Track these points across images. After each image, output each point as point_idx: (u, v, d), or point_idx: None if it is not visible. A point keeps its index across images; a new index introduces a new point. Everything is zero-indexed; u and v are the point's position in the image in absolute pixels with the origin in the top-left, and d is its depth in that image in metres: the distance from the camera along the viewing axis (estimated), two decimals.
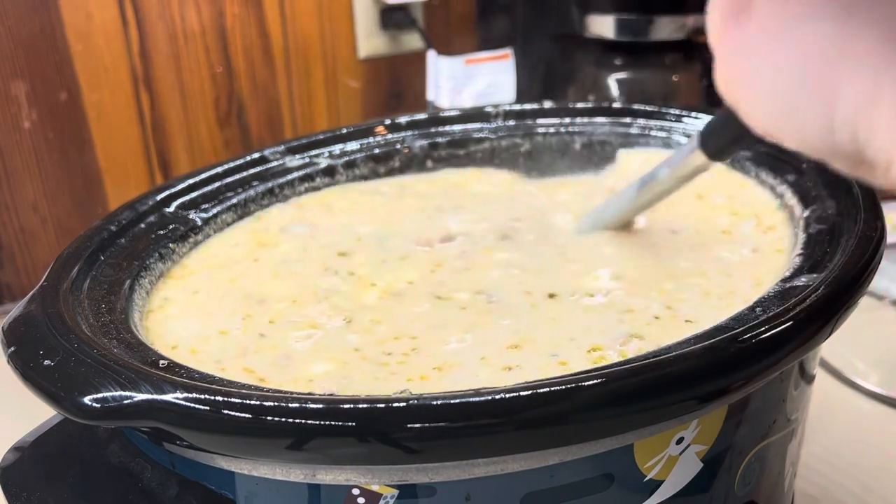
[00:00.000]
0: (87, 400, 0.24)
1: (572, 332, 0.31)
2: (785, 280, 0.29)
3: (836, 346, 0.55)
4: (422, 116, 0.52)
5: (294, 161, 0.47)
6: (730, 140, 0.32)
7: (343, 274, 0.38)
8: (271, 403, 0.23)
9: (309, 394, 0.24)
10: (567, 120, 0.51)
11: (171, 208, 0.41)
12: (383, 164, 0.49)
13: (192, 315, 0.35)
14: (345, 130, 0.49)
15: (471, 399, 0.22)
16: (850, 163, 0.19)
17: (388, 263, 0.39)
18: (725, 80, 0.22)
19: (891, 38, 0.18)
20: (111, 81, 0.72)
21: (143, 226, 0.39)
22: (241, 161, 0.45)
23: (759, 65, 0.20)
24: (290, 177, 0.46)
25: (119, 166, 0.75)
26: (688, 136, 0.47)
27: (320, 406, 0.22)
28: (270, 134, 0.82)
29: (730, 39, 0.21)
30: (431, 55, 0.82)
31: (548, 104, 0.52)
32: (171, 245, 0.38)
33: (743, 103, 0.21)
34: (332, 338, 0.32)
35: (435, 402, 0.22)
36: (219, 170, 0.44)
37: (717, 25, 0.22)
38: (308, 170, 0.47)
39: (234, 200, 0.43)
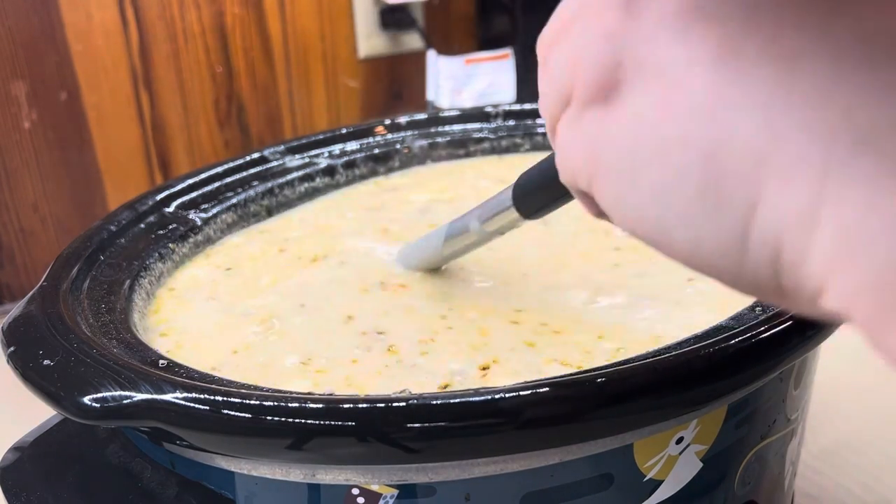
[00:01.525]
0: (86, 400, 0.24)
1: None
2: None
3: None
4: (422, 116, 0.52)
5: (294, 161, 0.47)
6: (550, 200, 0.29)
7: None
8: (271, 403, 0.23)
9: (309, 394, 0.24)
10: None
11: (171, 208, 0.41)
12: (383, 163, 0.49)
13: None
14: (345, 130, 0.49)
15: (471, 399, 0.22)
16: (756, 286, 0.15)
17: None
18: (574, 167, 0.19)
19: (841, 124, 0.13)
20: (111, 81, 0.72)
21: (142, 226, 0.39)
22: (241, 161, 0.45)
23: (636, 157, 0.16)
24: (290, 177, 0.46)
25: (119, 166, 0.75)
26: None
27: (320, 406, 0.22)
28: (270, 134, 0.82)
29: (589, 122, 0.18)
30: (431, 55, 0.82)
31: None
32: (170, 245, 0.38)
33: (606, 197, 0.18)
34: None
35: (435, 402, 0.22)
36: (219, 170, 0.44)
37: (562, 107, 0.19)
38: (308, 170, 0.47)
39: (234, 200, 0.43)
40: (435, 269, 0.37)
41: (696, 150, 0.15)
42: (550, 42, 0.20)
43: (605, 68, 0.17)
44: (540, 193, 0.29)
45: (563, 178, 0.20)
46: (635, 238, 0.18)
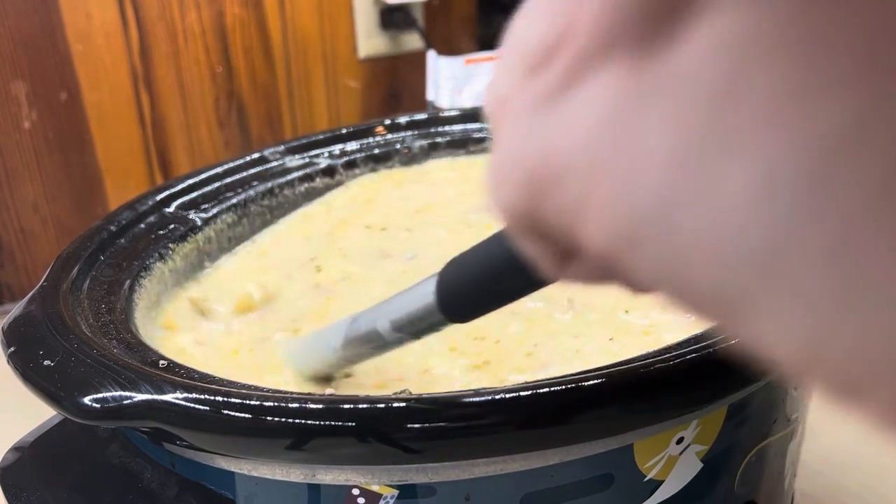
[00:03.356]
0: (87, 400, 0.24)
1: None
2: None
3: None
4: (422, 116, 0.52)
5: (294, 161, 0.47)
6: (494, 297, 0.22)
7: None
8: (271, 403, 0.23)
9: (309, 394, 0.24)
10: None
11: (171, 208, 0.41)
12: (383, 163, 0.49)
13: None
14: (345, 130, 0.49)
15: (471, 399, 0.22)
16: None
17: None
18: (541, 179, 0.12)
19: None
20: (111, 81, 0.72)
21: (142, 226, 0.39)
22: (241, 161, 0.45)
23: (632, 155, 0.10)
24: (289, 177, 0.46)
25: (119, 166, 0.75)
26: None
27: (320, 406, 0.22)
28: (270, 134, 0.82)
29: (608, 90, 0.11)
30: (431, 55, 0.82)
31: None
32: (170, 245, 0.38)
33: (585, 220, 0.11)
34: None
35: (435, 402, 0.22)
36: (219, 170, 0.44)
37: (535, 71, 0.12)
38: (308, 170, 0.46)
39: (234, 200, 0.43)
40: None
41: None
42: None
43: None
44: (483, 285, 0.22)
45: (510, 202, 0.13)
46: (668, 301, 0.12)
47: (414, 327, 0.26)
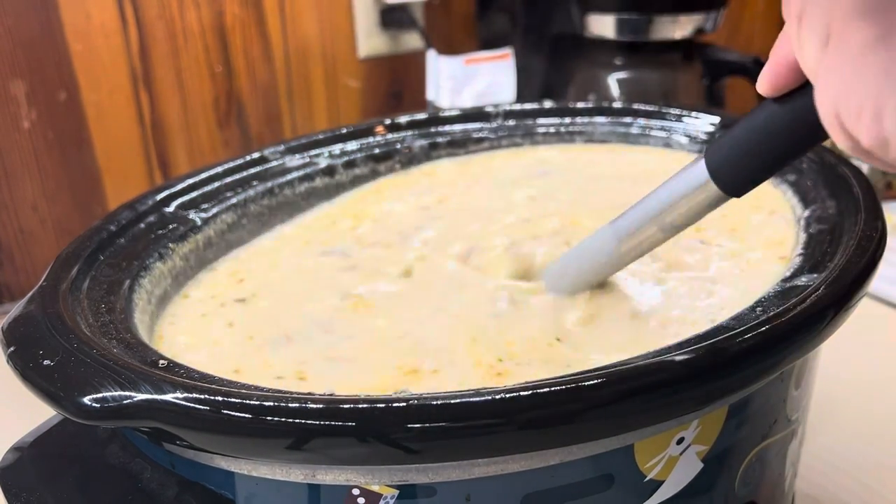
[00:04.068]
0: (86, 400, 0.24)
1: None
2: (785, 280, 0.29)
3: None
4: (422, 116, 0.52)
5: (294, 161, 0.47)
6: (772, 162, 0.26)
7: None
8: (271, 403, 0.23)
9: (309, 394, 0.24)
10: (567, 119, 0.51)
11: (171, 208, 0.41)
12: (383, 163, 0.49)
13: None
14: (345, 130, 0.49)
15: (471, 399, 0.22)
16: None
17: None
18: (859, 94, 0.19)
19: None
20: (110, 81, 0.72)
21: (142, 226, 0.39)
22: (240, 161, 0.45)
23: None
24: (289, 177, 0.46)
25: (119, 166, 0.74)
26: (689, 136, 0.47)
27: (320, 406, 0.22)
28: (270, 134, 0.82)
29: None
30: (431, 55, 0.82)
31: (548, 104, 0.52)
32: (170, 245, 0.38)
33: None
34: None
35: (435, 403, 0.22)
36: (218, 170, 0.44)
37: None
38: (308, 170, 0.46)
39: (234, 200, 0.43)
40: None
41: None
42: None
43: None
44: (758, 155, 0.25)
45: (833, 110, 0.20)
46: None
47: (687, 210, 0.28)
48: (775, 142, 0.25)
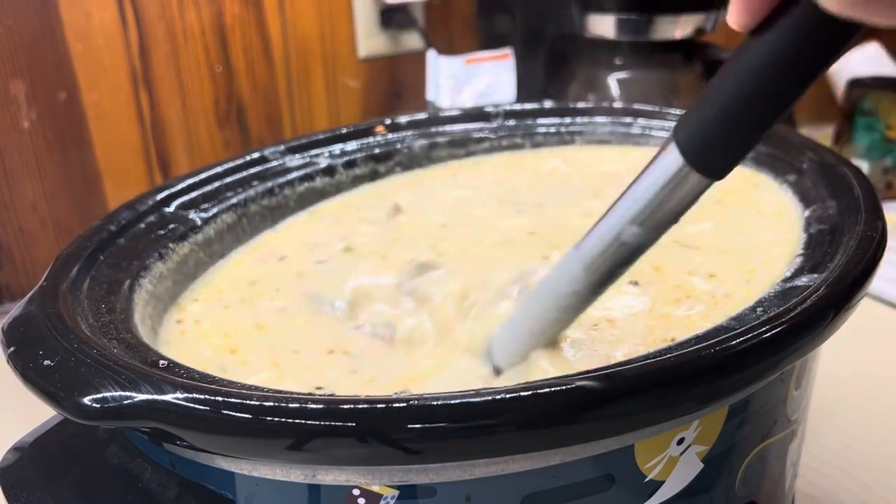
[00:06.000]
0: (86, 400, 0.24)
1: None
2: (786, 280, 0.29)
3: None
4: (422, 116, 0.52)
5: (294, 161, 0.47)
6: (749, 129, 0.21)
7: None
8: (271, 403, 0.23)
9: (309, 394, 0.24)
10: (567, 120, 0.51)
11: (171, 208, 0.41)
12: (383, 163, 0.49)
13: None
14: (345, 130, 0.49)
15: (471, 399, 0.22)
16: None
17: None
18: None
19: None
20: (110, 81, 0.72)
21: (142, 226, 0.39)
22: (240, 161, 0.45)
23: None
24: (289, 177, 0.46)
25: (119, 166, 0.74)
26: None
27: (320, 406, 0.22)
28: (270, 134, 0.82)
29: None
30: (431, 55, 0.82)
31: (548, 104, 0.52)
32: (170, 245, 0.38)
33: None
34: None
35: (435, 403, 0.22)
36: (218, 170, 0.44)
37: None
38: (308, 170, 0.46)
39: (234, 200, 0.43)
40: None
41: None
42: None
43: None
44: (741, 117, 0.21)
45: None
46: None
47: (663, 211, 0.23)
48: (760, 92, 0.20)
